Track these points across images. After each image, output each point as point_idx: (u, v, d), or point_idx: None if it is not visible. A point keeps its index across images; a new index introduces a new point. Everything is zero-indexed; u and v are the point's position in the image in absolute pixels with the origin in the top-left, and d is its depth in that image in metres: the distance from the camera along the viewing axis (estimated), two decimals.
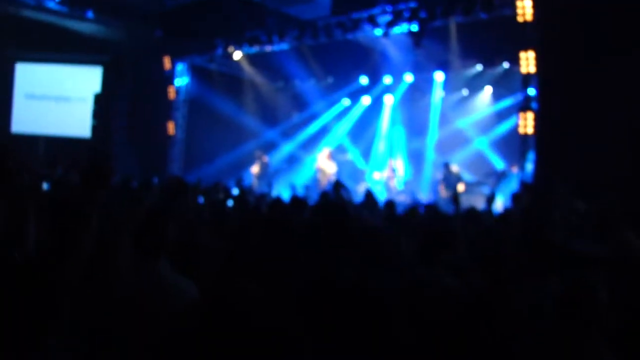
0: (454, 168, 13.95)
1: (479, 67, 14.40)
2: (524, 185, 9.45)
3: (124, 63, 16.01)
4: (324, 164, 14.69)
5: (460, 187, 13.53)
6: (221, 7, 13.54)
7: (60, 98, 16.70)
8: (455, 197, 5.28)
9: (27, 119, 16.47)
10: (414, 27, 11.41)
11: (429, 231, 3.62)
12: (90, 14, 14.01)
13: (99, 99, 14.90)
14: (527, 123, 9.60)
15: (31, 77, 16.74)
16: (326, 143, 17.16)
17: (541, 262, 3.50)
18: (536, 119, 9.50)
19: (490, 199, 5.91)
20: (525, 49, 9.69)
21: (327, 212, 5.00)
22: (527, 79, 9.79)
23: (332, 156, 15.56)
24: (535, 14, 9.55)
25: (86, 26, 14.83)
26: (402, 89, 16.49)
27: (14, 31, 14.89)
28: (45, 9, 13.52)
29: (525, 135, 9.71)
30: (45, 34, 14.85)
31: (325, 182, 14.24)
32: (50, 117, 16.57)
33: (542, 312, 2.89)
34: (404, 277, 2.87)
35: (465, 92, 15.38)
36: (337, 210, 4.86)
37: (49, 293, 2.16)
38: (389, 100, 17.15)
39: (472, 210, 6.03)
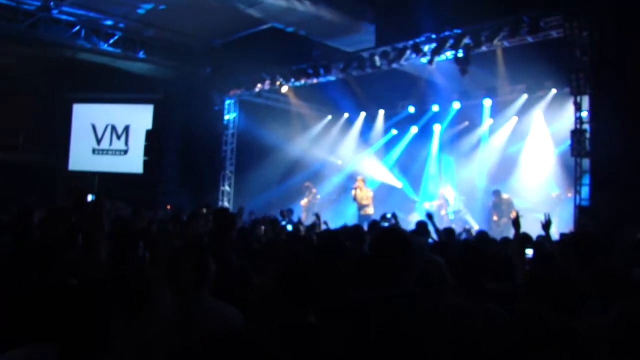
0: (505, 195, 13.62)
1: (527, 92, 14.13)
2: (579, 209, 9.14)
3: (174, 100, 16.39)
4: (359, 194, 14.36)
5: (512, 214, 13.17)
6: (266, 42, 13.75)
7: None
8: (516, 220, 4.99)
9: (83, 157, 16.99)
10: (460, 54, 11.24)
11: (475, 258, 3.48)
12: (141, 54, 14.45)
13: (150, 136, 15.23)
14: (580, 146, 9.27)
15: (87, 117, 17.30)
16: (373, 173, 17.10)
17: (598, 288, 3.31)
18: (590, 141, 9.18)
19: (547, 225, 5.63)
20: (576, 70, 9.45)
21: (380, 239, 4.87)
22: (578, 101, 9.53)
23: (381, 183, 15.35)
24: (583, 34, 9.33)
25: (138, 66, 15.35)
26: (450, 116, 16.31)
27: (71, 74, 15.46)
28: (99, 51, 14.01)
29: (580, 158, 9.39)
30: (99, 75, 15.39)
31: (363, 211, 13.95)
32: (105, 155, 17.08)
33: (600, 341, 2.71)
34: (444, 303, 2.75)
35: (515, 118, 15.01)
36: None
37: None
38: (437, 128, 16.98)
39: (525, 236, 5.81)
